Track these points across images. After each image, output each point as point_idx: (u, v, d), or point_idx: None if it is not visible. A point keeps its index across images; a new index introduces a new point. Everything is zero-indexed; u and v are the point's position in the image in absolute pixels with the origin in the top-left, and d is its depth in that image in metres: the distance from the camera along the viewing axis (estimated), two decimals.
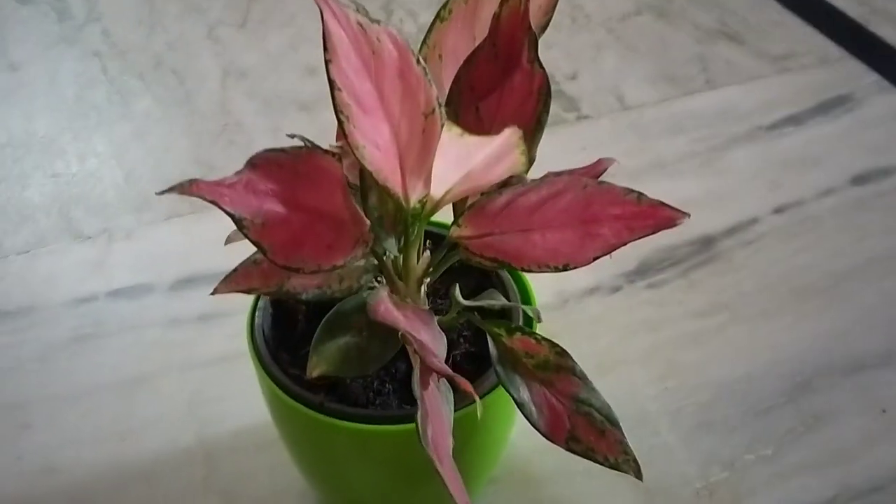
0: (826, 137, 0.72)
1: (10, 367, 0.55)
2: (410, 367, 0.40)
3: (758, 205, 0.67)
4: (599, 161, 0.36)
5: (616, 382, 0.55)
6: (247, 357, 0.44)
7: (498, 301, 0.36)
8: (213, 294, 0.35)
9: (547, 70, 0.34)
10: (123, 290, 0.60)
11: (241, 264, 0.35)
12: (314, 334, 0.37)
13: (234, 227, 0.29)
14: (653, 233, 0.31)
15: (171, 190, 0.27)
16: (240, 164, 0.71)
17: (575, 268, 0.32)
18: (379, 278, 0.39)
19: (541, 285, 0.60)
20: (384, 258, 0.36)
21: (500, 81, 0.34)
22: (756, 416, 0.53)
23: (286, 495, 0.49)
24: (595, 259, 0.31)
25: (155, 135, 0.72)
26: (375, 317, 0.31)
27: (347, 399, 0.39)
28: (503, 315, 0.40)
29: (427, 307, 0.38)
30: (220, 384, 0.54)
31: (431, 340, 0.32)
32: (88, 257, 0.62)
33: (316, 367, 0.35)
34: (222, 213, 0.66)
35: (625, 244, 0.31)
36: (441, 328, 0.40)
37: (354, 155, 0.30)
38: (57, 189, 0.68)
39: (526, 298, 0.41)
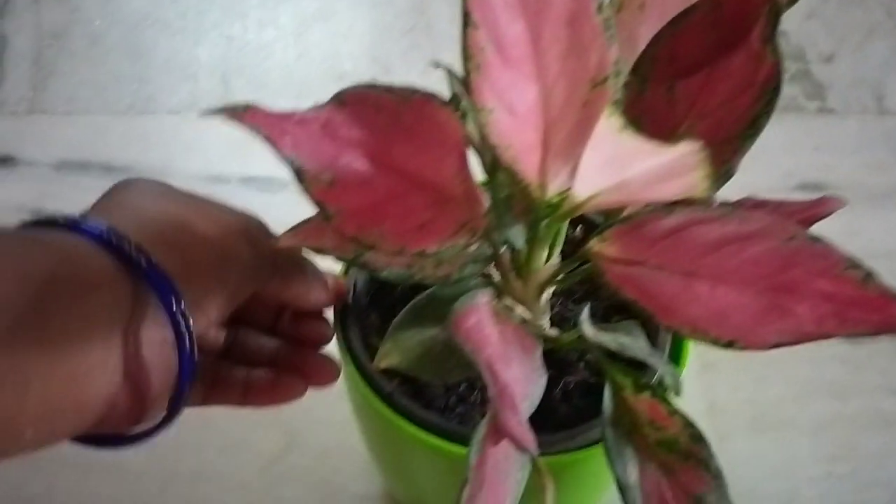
0: None
1: None
2: None
3: None
4: (824, 200, 0.26)
5: (772, 446, 0.45)
6: None
7: (633, 346, 0.27)
8: (274, 243, 0.29)
9: (800, 44, 0.24)
10: (258, 179, 0.55)
11: (316, 216, 0.28)
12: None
13: None
14: (872, 334, 0.21)
15: (219, 112, 0.20)
16: (418, 73, 0.64)
17: (743, 349, 0.22)
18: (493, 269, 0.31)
19: None
20: (501, 250, 0.28)
21: (713, 58, 0.25)
22: None
23: (350, 458, 0.43)
24: (775, 346, 0.22)
25: (340, 19, 0.66)
26: (455, 332, 0.23)
27: (424, 396, 0.32)
28: (634, 361, 0.31)
29: (545, 314, 0.30)
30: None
31: (521, 381, 0.23)
32: (234, 135, 0.58)
33: (386, 358, 0.28)
34: None
35: (826, 338, 0.21)
36: (558, 347, 0.32)
37: (477, 118, 0.22)
38: (227, 53, 0.63)
39: (678, 346, 0.32)
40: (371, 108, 0.22)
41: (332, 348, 0.36)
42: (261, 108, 0.21)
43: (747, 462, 0.44)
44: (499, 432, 0.23)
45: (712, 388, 0.46)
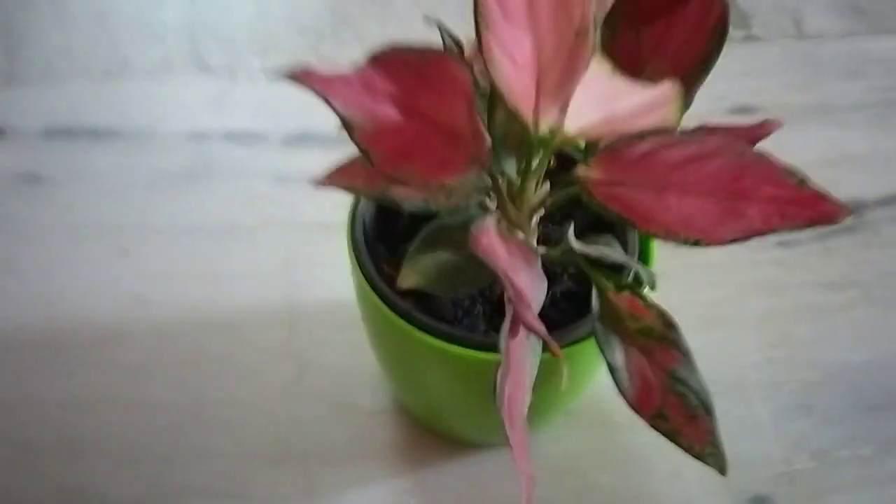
0: None
1: (118, 188, 0.56)
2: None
3: None
4: (764, 123, 0.32)
5: (720, 339, 0.51)
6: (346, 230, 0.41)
7: (613, 253, 0.33)
8: (316, 185, 0.33)
9: None
10: (238, 134, 0.59)
11: (350, 159, 0.33)
12: (414, 236, 0.36)
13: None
14: (808, 226, 0.27)
15: (284, 75, 0.25)
16: (375, 23, 0.68)
17: (707, 245, 0.28)
18: (490, 199, 0.36)
19: None
20: (499, 180, 0.33)
21: (671, 6, 0.30)
22: (863, 411, 0.49)
23: (360, 377, 0.48)
24: (732, 241, 0.27)
25: None
26: (475, 249, 0.29)
27: (435, 311, 0.37)
28: (613, 265, 0.37)
29: (535, 235, 0.35)
30: (317, 251, 0.54)
31: (530, 286, 0.29)
32: (210, 92, 0.61)
33: (408, 279, 0.33)
34: None
35: (772, 232, 0.27)
36: (546, 261, 0.37)
37: (487, 68, 0.27)
38: (190, 13, 0.66)
39: (645, 252, 0.38)
40: (399, 64, 0.27)
41: (348, 277, 0.40)
42: (314, 70, 0.25)
43: (699, 354, 0.50)
44: (517, 326, 0.28)
45: (667, 294, 0.52)
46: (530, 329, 0.27)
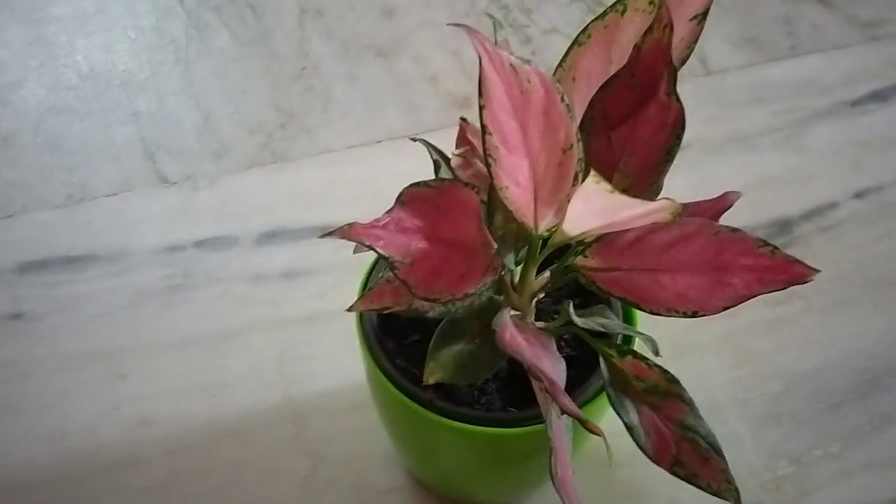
0: None
1: (103, 313, 0.57)
2: (513, 368, 0.41)
3: (838, 188, 0.66)
4: (725, 196, 0.36)
5: (688, 367, 0.56)
6: (332, 318, 0.44)
7: (614, 325, 0.37)
8: (348, 310, 0.36)
9: None
10: (209, 240, 0.61)
11: (376, 283, 0.36)
12: (418, 326, 0.39)
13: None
14: (784, 288, 0.32)
15: (331, 234, 0.28)
16: (319, 113, 0.71)
17: (703, 316, 0.32)
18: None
19: None
20: (503, 274, 0.37)
21: (634, 111, 0.34)
22: (825, 410, 0.54)
23: (372, 458, 0.51)
24: (724, 309, 0.32)
25: (232, 75, 0.72)
26: (503, 347, 0.32)
27: (453, 396, 0.41)
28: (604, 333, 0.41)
29: (533, 314, 0.39)
30: (307, 343, 0.56)
31: (554, 371, 0.33)
32: (174, 204, 0.63)
33: (433, 375, 0.37)
34: (302, 166, 0.66)
35: (754, 296, 0.32)
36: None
37: (498, 194, 0.31)
38: (138, 128, 0.68)
39: (629, 315, 0.42)
40: (419, 200, 0.31)
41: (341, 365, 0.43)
42: (357, 224, 0.29)
43: None
44: (555, 409, 0.32)
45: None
46: (568, 413, 0.30)
